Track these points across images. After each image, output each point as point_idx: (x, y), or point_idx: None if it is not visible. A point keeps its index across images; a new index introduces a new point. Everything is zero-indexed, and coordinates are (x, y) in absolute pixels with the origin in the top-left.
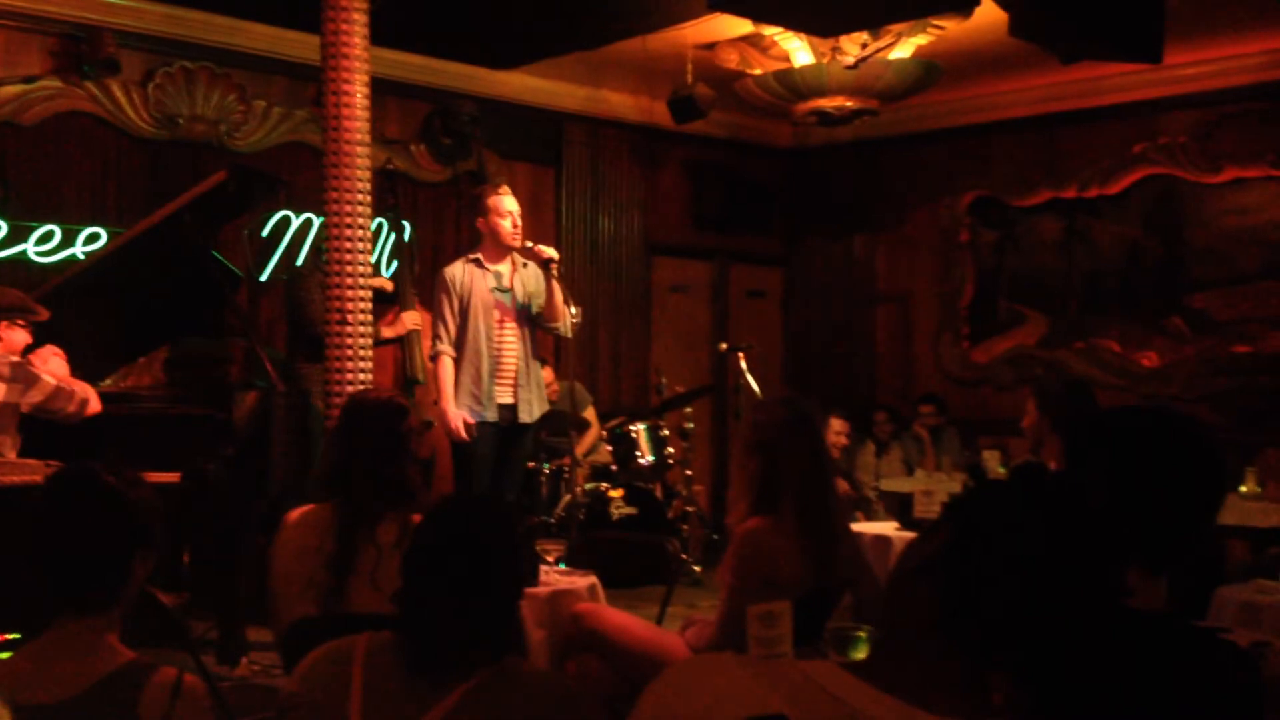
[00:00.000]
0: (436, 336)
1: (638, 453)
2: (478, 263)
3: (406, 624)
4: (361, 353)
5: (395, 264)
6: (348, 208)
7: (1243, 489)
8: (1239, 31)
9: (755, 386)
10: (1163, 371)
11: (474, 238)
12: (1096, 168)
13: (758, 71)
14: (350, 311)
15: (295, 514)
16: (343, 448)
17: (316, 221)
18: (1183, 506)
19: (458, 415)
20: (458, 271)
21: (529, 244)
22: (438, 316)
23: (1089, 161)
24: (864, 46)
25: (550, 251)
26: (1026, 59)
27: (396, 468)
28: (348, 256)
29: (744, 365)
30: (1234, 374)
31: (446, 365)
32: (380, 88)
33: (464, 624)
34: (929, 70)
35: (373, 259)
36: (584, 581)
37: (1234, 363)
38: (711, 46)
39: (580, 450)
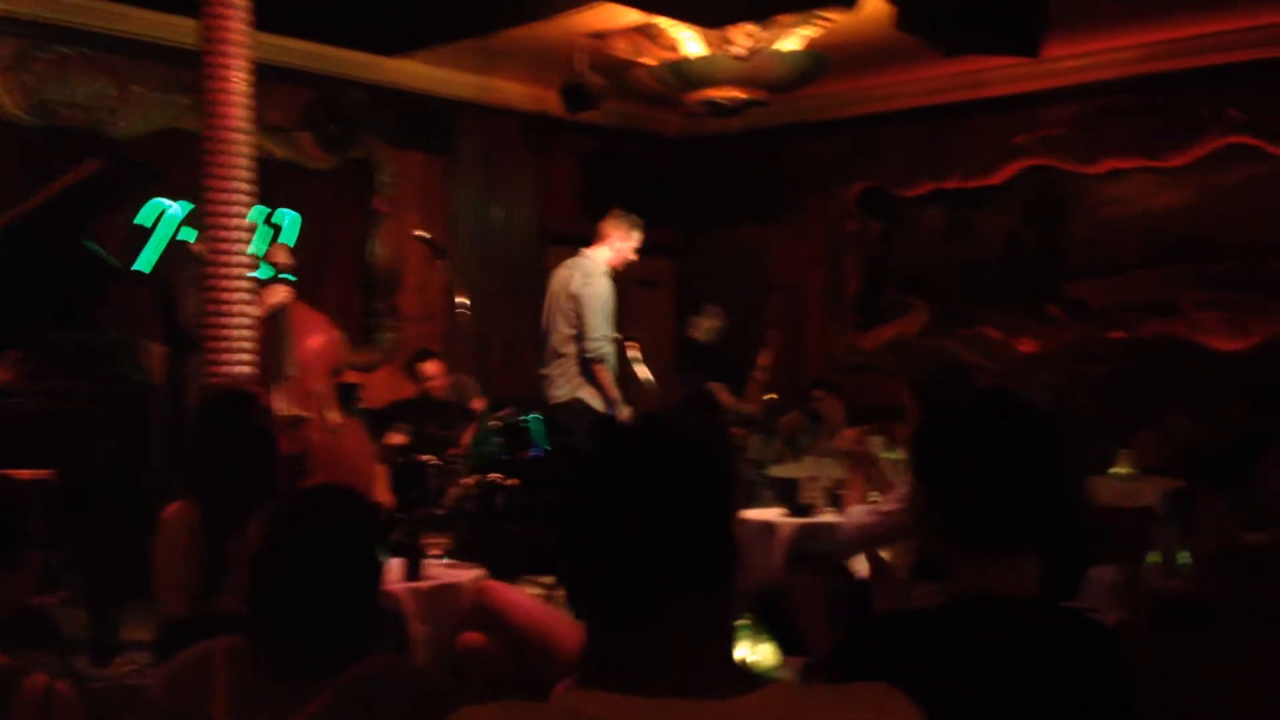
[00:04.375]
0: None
1: (528, 444)
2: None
3: (258, 626)
4: (241, 344)
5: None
6: (226, 195)
7: (1117, 470)
8: (1116, 26)
9: (647, 375)
10: (1041, 357)
11: (359, 223)
12: (979, 159)
13: (650, 61)
14: (228, 302)
15: (170, 511)
16: (198, 442)
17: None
18: (1023, 486)
19: None
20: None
21: (419, 233)
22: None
23: (972, 153)
24: (751, 37)
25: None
26: (913, 51)
27: (254, 461)
28: (225, 246)
29: (634, 355)
30: (1109, 360)
31: None
32: (264, 74)
33: (317, 623)
34: (817, 62)
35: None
36: (470, 574)
37: (1109, 349)
38: (604, 36)
39: (468, 441)
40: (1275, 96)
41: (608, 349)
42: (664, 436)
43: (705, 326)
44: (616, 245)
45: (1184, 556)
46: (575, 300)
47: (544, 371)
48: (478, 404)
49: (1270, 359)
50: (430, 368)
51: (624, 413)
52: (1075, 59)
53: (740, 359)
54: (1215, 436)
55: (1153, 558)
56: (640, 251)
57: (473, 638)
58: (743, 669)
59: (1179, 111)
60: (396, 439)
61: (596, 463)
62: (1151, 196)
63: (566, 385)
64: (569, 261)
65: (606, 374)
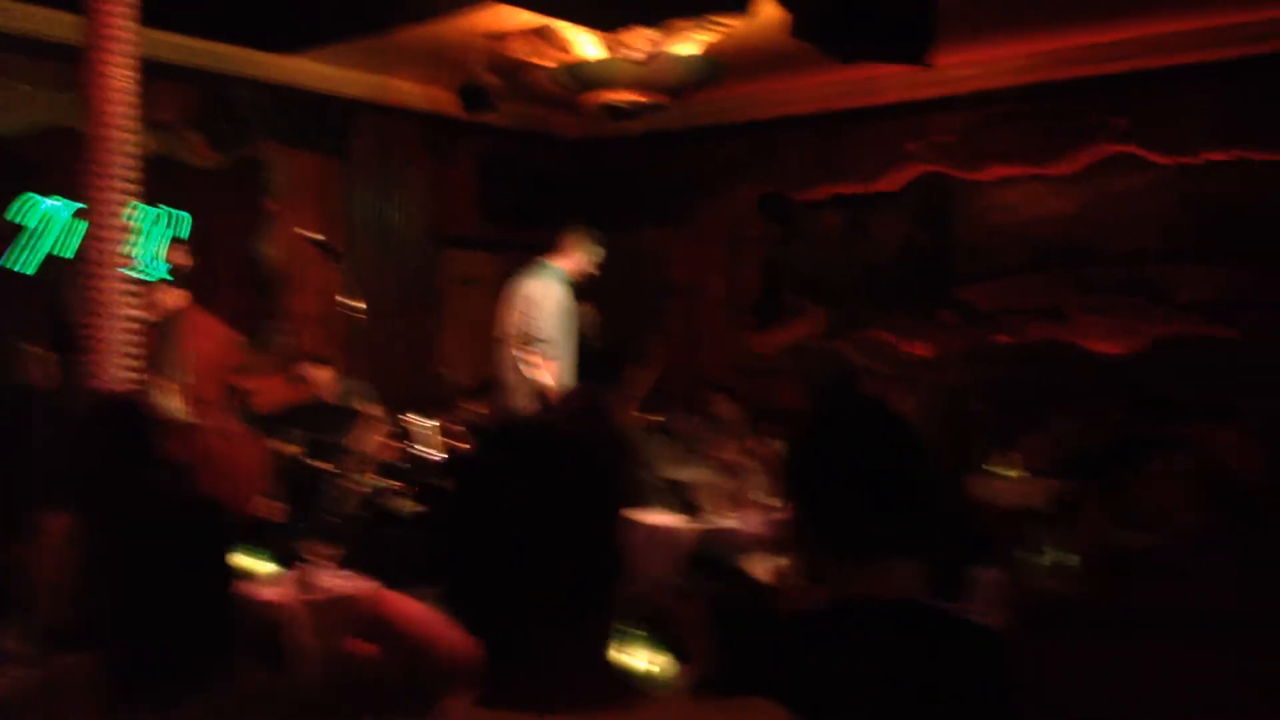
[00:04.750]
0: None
1: (426, 449)
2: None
3: (106, 642)
4: (123, 347)
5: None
6: (107, 194)
7: (1004, 472)
8: (1005, 36)
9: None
10: (933, 361)
11: (251, 223)
12: (874, 165)
13: (547, 63)
14: (109, 304)
15: (51, 521)
16: (82, 451)
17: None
18: (888, 495)
19: None
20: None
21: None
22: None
23: (867, 158)
24: (649, 41)
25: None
26: (810, 58)
27: (139, 471)
28: (106, 246)
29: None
30: (998, 363)
31: None
32: (152, 71)
33: (165, 638)
34: (715, 67)
35: (145, 248)
36: (363, 585)
37: (998, 352)
38: (500, 37)
39: (364, 447)
40: (1158, 107)
41: (541, 345)
42: (552, 447)
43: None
44: (576, 258)
45: (1066, 557)
46: (526, 302)
47: (501, 375)
48: (372, 408)
49: (1150, 363)
50: (319, 374)
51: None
52: (965, 68)
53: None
54: (1097, 439)
55: (1035, 558)
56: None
57: (363, 648)
58: (628, 683)
59: (1065, 120)
60: (290, 448)
61: (480, 475)
62: (1038, 204)
63: (522, 389)
64: (525, 269)
65: (538, 369)
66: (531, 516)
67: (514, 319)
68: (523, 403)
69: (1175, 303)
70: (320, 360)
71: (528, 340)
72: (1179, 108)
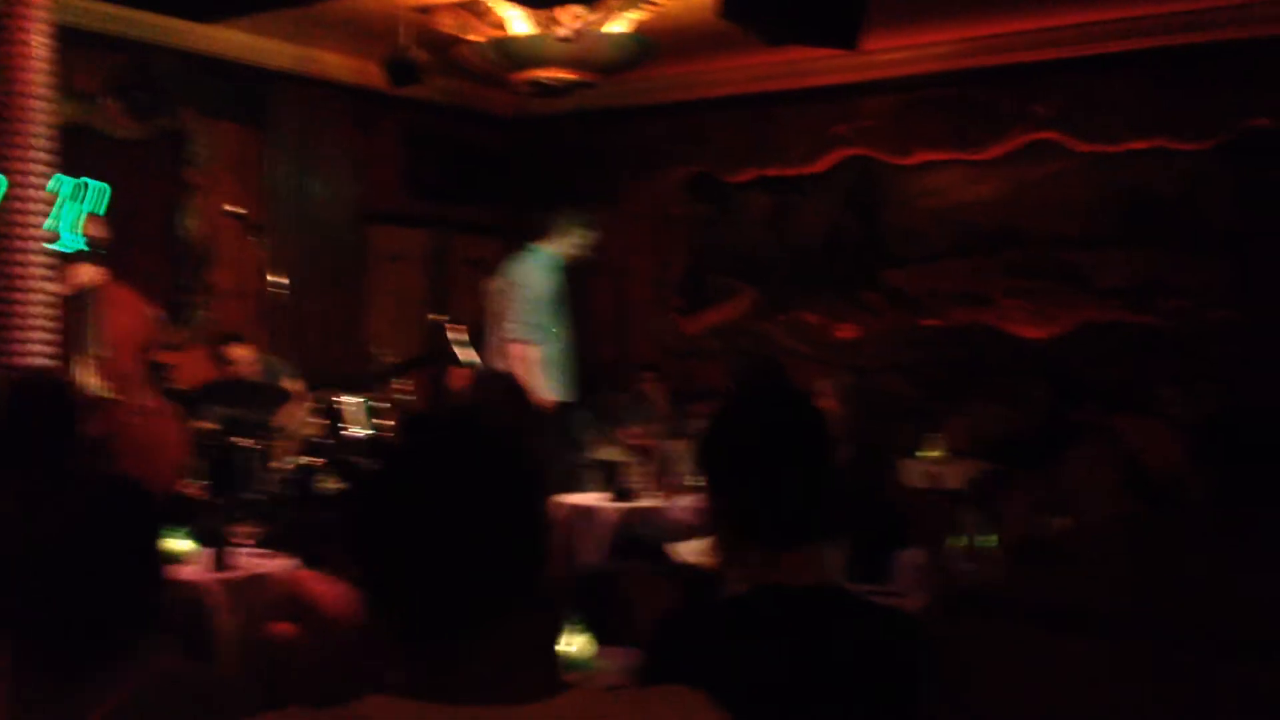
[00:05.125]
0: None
1: (349, 426)
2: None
3: (11, 624)
4: (39, 323)
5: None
6: (22, 165)
7: (928, 454)
8: (932, 22)
9: (470, 358)
10: (859, 343)
11: (170, 196)
12: (802, 147)
13: (475, 38)
14: (24, 277)
15: None
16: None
17: None
18: (797, 483)
19: None
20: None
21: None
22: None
23: (795, 141)
24: (578, 19)
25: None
26: (740, 39)
27: (62, 451)
28: (21, 217)
29: (457, 337)
30: (923, 346)
31: None
32: (69, 37)
33: (78, 621)
34: (644, 46)
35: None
36: (281, 563)
37: (923, 335)
38: (428, 10)
39: (285, 424)
40: (1079, 95)
41: (523, 334)
42: (466, 434)
43: None
44: (566, 240)
45: (988, 540)
46: (510, 288)
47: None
48: (295, 385)
49: (1071, 347)
50: (238, 352)
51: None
52: (892, 53)
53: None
54: (1019, 422)
55: (957, 541)
56: (468, 230)
57: (283, 629)
58: (550, 673)
59: (989, 107)
60: (211, 424)
61: (395, 462)
62: (963, 188)
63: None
64: (512, 255)
65: (519, 356)
66: (452, 501)
67: (497, 307)
68: None
69: (1096, 288)
70: (236, 338)
71: (509, 329)
72: (1100, 96)
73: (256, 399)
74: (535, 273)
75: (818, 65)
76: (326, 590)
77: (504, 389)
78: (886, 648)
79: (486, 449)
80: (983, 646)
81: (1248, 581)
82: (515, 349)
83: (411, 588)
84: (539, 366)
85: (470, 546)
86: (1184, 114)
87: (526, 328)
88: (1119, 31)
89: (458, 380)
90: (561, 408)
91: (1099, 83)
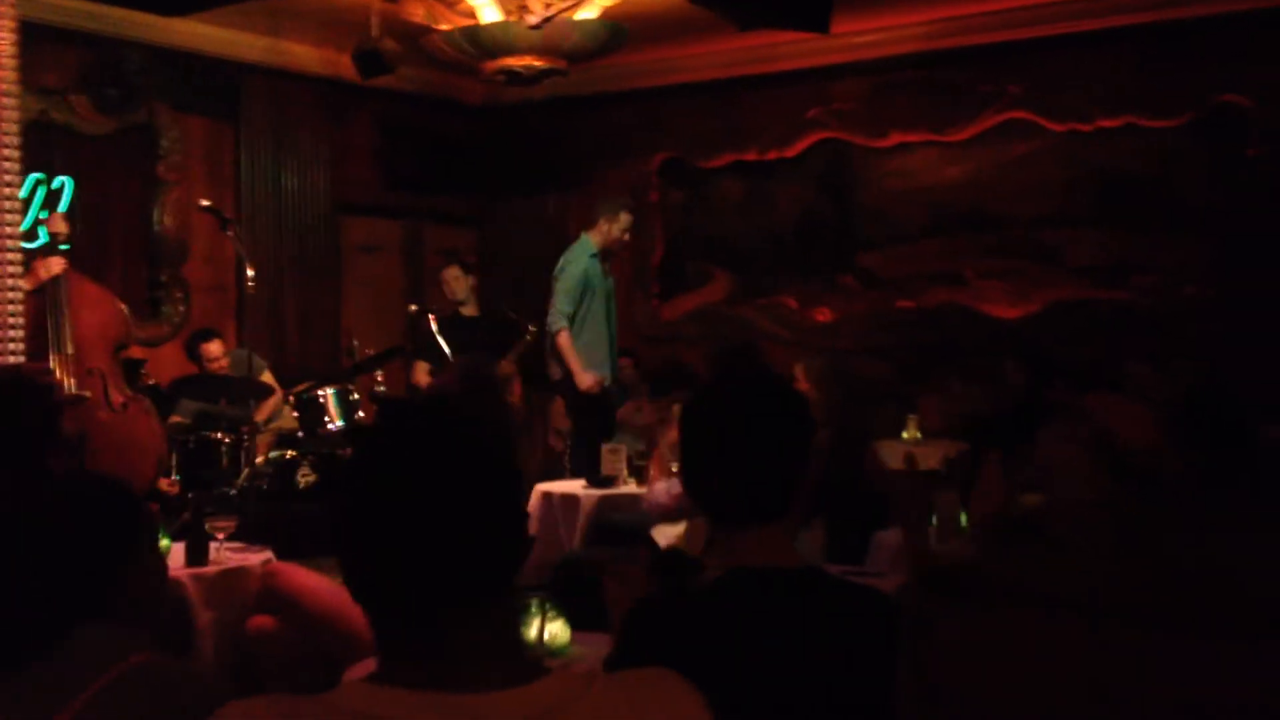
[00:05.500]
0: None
1: (326, 418)
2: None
3: None
4: (10, 320)
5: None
6: None
7: (905, 435)
8: (902, 3)
9: (447, 348)
10: (835, 326)
11: (142, 191)
12: (775, 131)
13: (445, 26)
14: None
15: None
16: None
17: None
18: (763, 462)
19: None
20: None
21: (204, 202)
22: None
23: (768, 125)
24: (548, 6)
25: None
26: (710, 23)
27: (42, 455)
28: None
29: (435, 327)
30: (898, 328)
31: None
32: (36, 33)
33: (22, 625)
34: (615, 32)
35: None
36: (257, 558)
37: (899, 317)
38: (398, 0)
39: (261, 417)
40: (1051, 73)
41: (561, 323)
42: (444, 423)
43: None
44: (603, 228)
45: (964, 519)
46: (555, 280)
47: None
48: (267, 377)
49: (1045, 326)
50: (212, 348)
51: (585, 381)
52: (864, 35)
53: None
54: (994, 402)
55: (933, 522)
56: (441, 221)
57: (262, 621)
58: (526, 660)
59: (961, 87)
60: (184, 419)
61: (373, 452)
62: (936, 170)
63: (552, 362)
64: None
65: (564, 343)
66: (427, 490)
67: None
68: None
69: (1069, 267)
70: (209, 336)
71: (550, 317)
72: (1071, 75)
73: (233, 393)
74: (575, 262)
75: (789, 49)
76: (305, 582)
77: (478, 378)
78: (863, 628)
79: (462, 437)
80: (958, 625)
81: (1222, 559)
82: (558, 335)
83: (388, 576)
84: (579, 350)
85: (446, 534)
86: (1155, 91)
87: (564, 315)
88: (1089, 10)
89: (432, 370)
90: (603, 391)
91: (1070, 61)
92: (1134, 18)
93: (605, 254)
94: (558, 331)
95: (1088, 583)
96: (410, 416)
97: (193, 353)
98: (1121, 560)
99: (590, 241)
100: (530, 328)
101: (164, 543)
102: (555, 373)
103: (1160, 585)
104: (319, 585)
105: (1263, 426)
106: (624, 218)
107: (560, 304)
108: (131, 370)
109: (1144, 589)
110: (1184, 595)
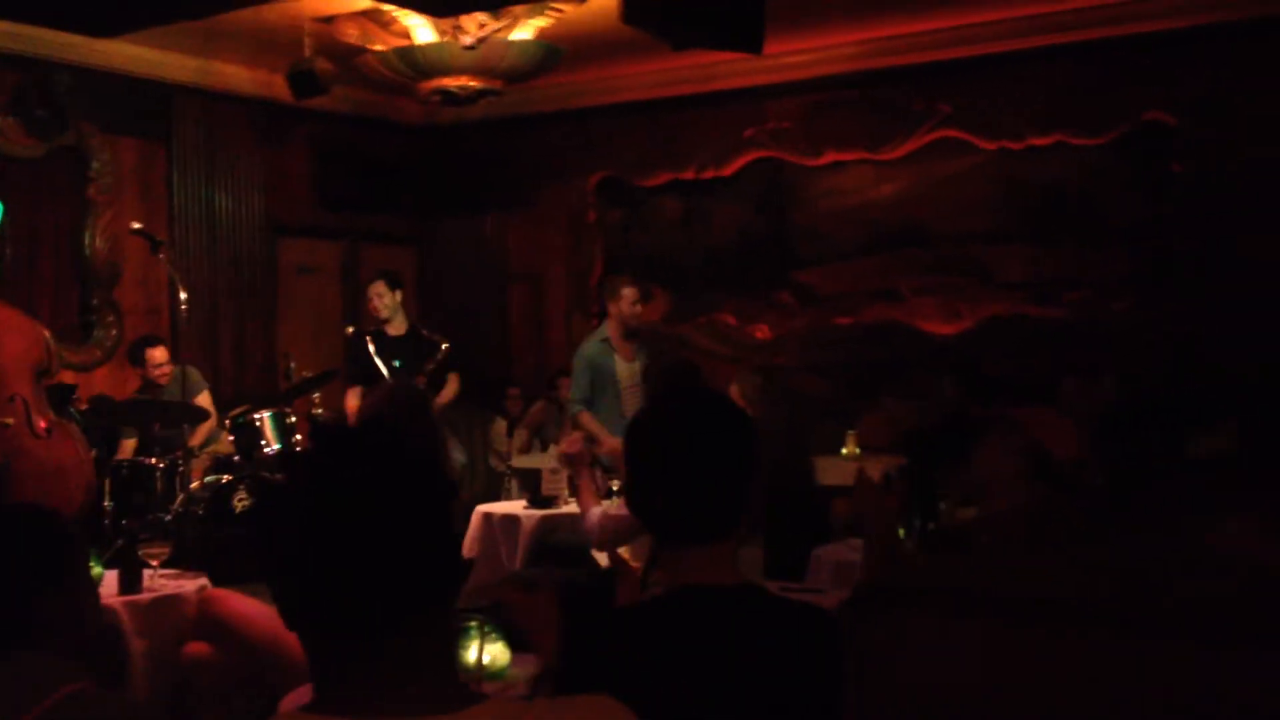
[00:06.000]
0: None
1: (263, 441)
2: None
3: None
4: None
5: None
6: None
7: (844, 451)
8: (834, 24)
9: (384, 369)
10: (774, 343)
11: (73, 214)
12: (711, 151)
13: (379, 47)
14: None
15: None
16: None
17: None
18: (707, 481)
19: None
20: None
21: (135, 225)
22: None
23: (705, 144)
24: (481, 27)
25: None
26: (646, 44)
27: None
28: None
29: (372, 349)
30: (837, 344)
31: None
32: None
33: None
34: (550, 52)
35: None
36: (192, 584)
37: (837, 334)
38: (331, 20)
39: (196, 441)
40: (982, 92)
41: (576, 408)
42: (375, 447)
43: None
44: (612, 311)
45: (900, 533)
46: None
47: None
48: (204, 399)
49: (981, 342)
50: (156, 354)
51: (608, 443)
52: (797, 55)
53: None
54: (931, 417)
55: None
56: (379, 241)
57: (198, 648)
58: (461, 685)
59: (894, 106)
60: (120, 443)
61: (304, 477)
62: (871, 188)
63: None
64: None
65: (585, 422)
66: (359, 513)
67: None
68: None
69: (1002, 283)
70: (152, 342)
71: (569, 401)
72: (1001, 94)
73: (168, 417)
74: (582, 348)
75: (725, 69)
76: (241, 609)
77: (409, 401)
78: (802, 645)
79: (393, 461)
80: (895, 639)
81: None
82: (579, 417)
83: (321, 602)
84: (604, 429)
85: (378, 559)
86: (1083, 109)
87: (576, 401)
88: (1018, 30)
89: (366, 393)
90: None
91: (1000, 80)
92: (1062, 37)
93: (629, 333)
94: (576, 415)
95: (1020, 590)
96: (342, 441)
97: (136, 359)
98: (1051, 567)
99: (603, 327)
100: (444, 345)
101: (96, 570)
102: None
103: (1087, 590)
104: (255, 611)
105: (1189, 438)
106: (626, 292)
107: (572, 391)
108: (63, 396)
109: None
110: (1110, 599)
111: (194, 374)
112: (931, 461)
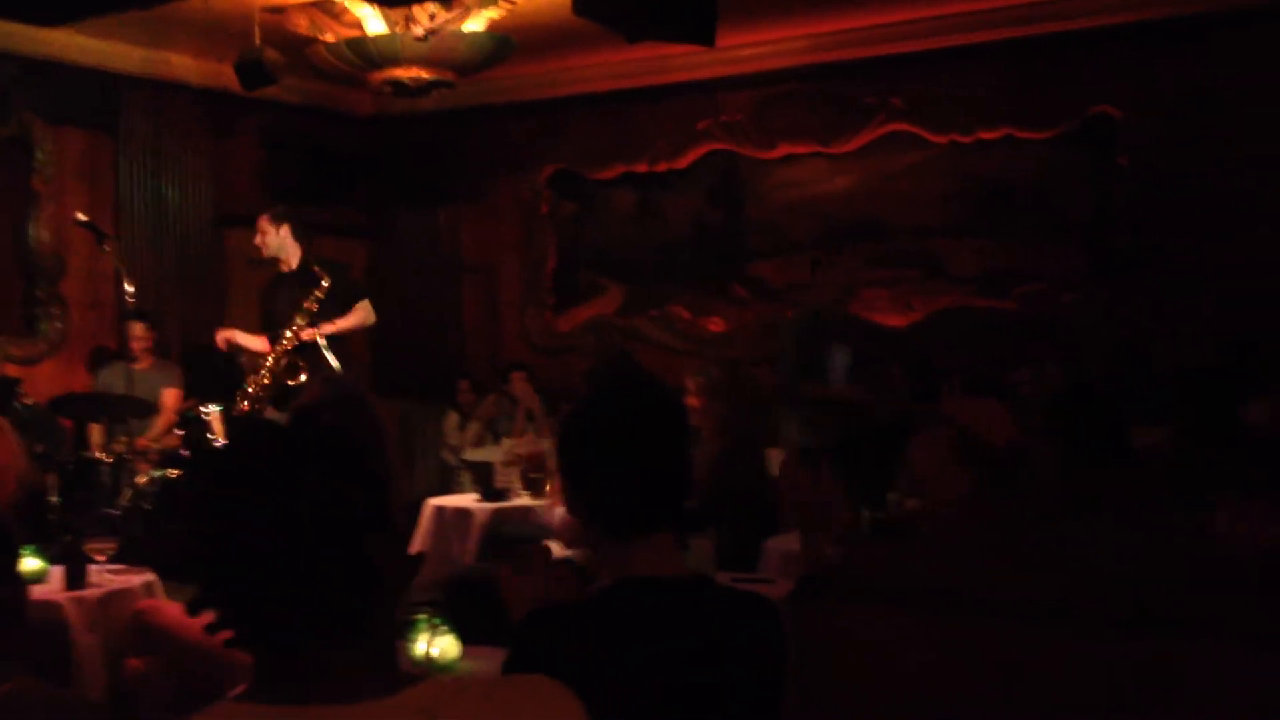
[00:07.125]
0: None
1: (211, 436)
2: None
3: None
4: None
5: None
6: None
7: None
8: (787, 17)
9: (335, 363)
10: (728, 336)
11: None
12: (665, 143)
13: (329, 38)
14: None
15: None
16: None
17: None
18: (647, 472)
19: None
20: None
21: (80, 217)
22: None
23: (659, 137)
24: (432, 18)
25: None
26: (599, 35)
27: None
28: None
29: (322, 342)
30: None
31: None
32: None
33: None
34: (502, 44)
35: None
36: (139, 580)
37: None
38: (281, 10)
39: (149, 437)
40: (932, 86)
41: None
42: (306, 441)
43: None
44: None
45: (847, 524)
46: None
47: None
48: (170, 397)
49: (932, 335)
50: (136, 329)
51: None
52: (750, 48)
53: (437, 343)
54: (881, 410)
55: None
56: (329, 233)
57: (137, 664)
58: (400, 671)
59: (847, 100)
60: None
61: (237, 470)
62: (824, 180)
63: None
64: None
65: None
66: (285, 506)
67: None
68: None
69: (953, 275)
70: (138, 317)
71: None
72: (951, 88)
73: (116, 411)
74: None
75: (677, 62)
76: (177, 615)
77: (346, 395)
78: (749, 634)
79: (325, 454)
80: (837, 629)
81: (1086, 553)
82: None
83: (249, 596)
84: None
85: (313, 554)
86: (1030, 104)
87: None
88: (966, 24)
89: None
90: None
91: (949, 75)
92: (1009, 32)
93: None
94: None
95: (956, 580)
96: (265, 432)
97: (121, 332)
98: (988, 557)
99: None
100: (324, 281)
101: (41, 566)
102: None
103: (1023, 579)
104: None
105: (1135, 429)
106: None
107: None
108: (6, 389)
109: (1009, 584)
110: (1046, 589)
111: (165, 362)
112: (872, 454)
